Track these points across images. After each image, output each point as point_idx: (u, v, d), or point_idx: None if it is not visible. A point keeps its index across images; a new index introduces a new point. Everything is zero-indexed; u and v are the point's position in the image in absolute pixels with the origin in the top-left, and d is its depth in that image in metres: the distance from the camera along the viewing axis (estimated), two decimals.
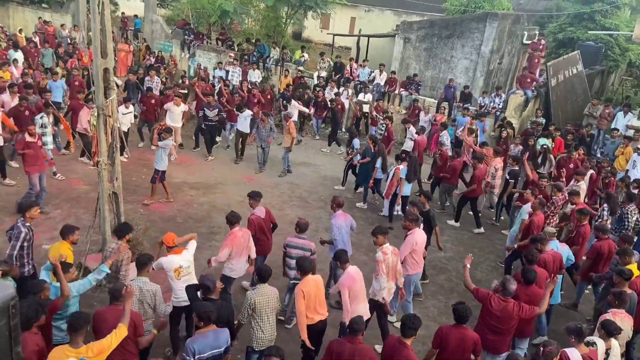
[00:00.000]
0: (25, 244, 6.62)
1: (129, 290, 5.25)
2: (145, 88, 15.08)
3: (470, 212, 11.46)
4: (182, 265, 6.34)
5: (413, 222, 7.54)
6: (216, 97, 14.75)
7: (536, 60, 16.99)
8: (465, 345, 5.57)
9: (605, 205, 9.52)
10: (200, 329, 5.09)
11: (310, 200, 11.84)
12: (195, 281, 6.26)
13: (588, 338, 5.72)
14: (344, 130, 16.49)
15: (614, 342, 5.76)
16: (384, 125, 13.76)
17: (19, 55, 16.71)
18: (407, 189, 11.07)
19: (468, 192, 11.11)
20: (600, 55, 22.34)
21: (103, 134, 7.39)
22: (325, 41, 31.36)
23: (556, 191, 9.70)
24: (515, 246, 8.91)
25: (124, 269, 6.70)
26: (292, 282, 7.20)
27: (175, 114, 13.30)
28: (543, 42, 18.53)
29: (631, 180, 10.61)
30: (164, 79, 16.47)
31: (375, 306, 6.86)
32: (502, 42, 18.77)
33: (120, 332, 4.91)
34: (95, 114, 7.35)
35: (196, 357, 4.94)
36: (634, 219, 9.24)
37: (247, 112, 13.64)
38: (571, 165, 11.50)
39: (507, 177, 11.28)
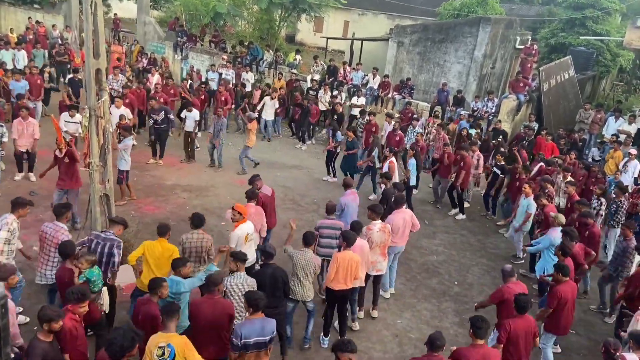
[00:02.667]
0: None
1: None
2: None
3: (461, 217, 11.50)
4: (249, 232, 7.23)
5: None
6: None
7: (529, 65, 17.08)
8: (530, 332, 5.85)
9: (602, 199, 9.94)
10: (249, 316, 5.33)
11: (303, 204, 11.81)
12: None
13: None
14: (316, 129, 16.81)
15: None
16: (362, 124, 14.19)
17: (8, 56, 16.56)
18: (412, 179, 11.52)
19: (461, 182, 11.48)
20: (591, 61, 22.53)
21: (95, 135, 7.33)
22: (319, 44, 31.38)
23: (546, 183, 10.19)
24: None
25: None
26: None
27: (113, 117, 11.70)
28: (536, 47, 18.63)
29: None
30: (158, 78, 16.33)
31: (368, 277, 7.59)
32: (494, 46, 18.87)
33: None
34: (87, 115, 7.30)
35: (242, 341, 5.18)
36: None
37: (194, 113, 13.30)
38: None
39: (498, 171, 11.62)
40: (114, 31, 23.02)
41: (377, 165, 12.32)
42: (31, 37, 19.50)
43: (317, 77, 18.30)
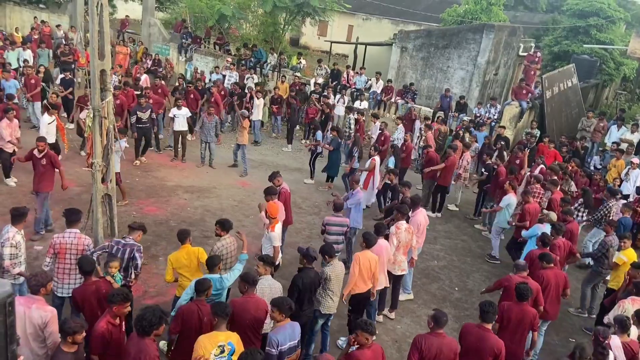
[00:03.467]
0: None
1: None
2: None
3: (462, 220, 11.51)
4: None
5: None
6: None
7: (532, 72, 17.11)
8: (526, 321, 6.04)
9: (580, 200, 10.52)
10: (280, 322, 5.23)
11: (305, 207, 11.82)
12: None
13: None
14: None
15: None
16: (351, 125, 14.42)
17: (13, 56, 16.62)
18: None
19: (441, 180, 11.75)
20: (594, 69, 22.56)
21: (98, 135, 7.36)
22: (323, 48, 31.48)
23: (535, 182, 10.58)
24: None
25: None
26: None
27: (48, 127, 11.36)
28: (539, 54, 18.67)
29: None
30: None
31: (390, 276, 7.66)
32: (498, 53, 18.90)
33: None
34: (91, 115, 7.33)
35: (279, 348, 5.09)
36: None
37: (184, 110, 13.23)
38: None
39: (483, 170, 12.03)
40: (119, 32, 23.10)
41: (356, 165, 12.48)
42: (36, 37, 19.56)
43: (320, 80, 18.34)
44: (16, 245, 6.22)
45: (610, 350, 5.55)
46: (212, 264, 6.02)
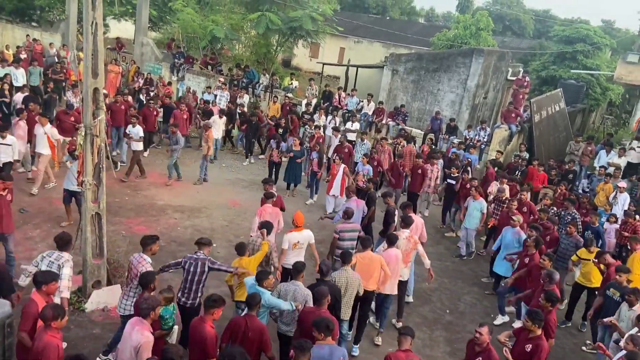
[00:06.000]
0: None
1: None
2: (66, 104, 14.28)
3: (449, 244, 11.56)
4: (299, 240, 7.90)
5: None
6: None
7: (521, 96, 17.35)
8: None
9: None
10: (319, 341, 5.27)
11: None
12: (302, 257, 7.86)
13: None
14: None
15: None
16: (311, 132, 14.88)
17: (2, 73, 16.51)
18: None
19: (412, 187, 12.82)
20: (581, 94, 22.95)
21: (89, 153, 7.30)
22: (314, 69, 31.74)
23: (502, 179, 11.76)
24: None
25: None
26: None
27: (38, 136, 11.27)
28: (528, 78, 18.97)
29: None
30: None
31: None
32: (487, 77, 19.19)
33: None
34: (82, 134, 7.28)
35: None
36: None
37: (138, 128, 12.96)
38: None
39: (452, 182, 12.46)
40: (115, 52, 23.08)
41: (317, 170, 13.25)
42: (24, 55, 19.46)
43: (313, 101, 18.47)
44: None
45: None
46: (260, 277, 6.27)
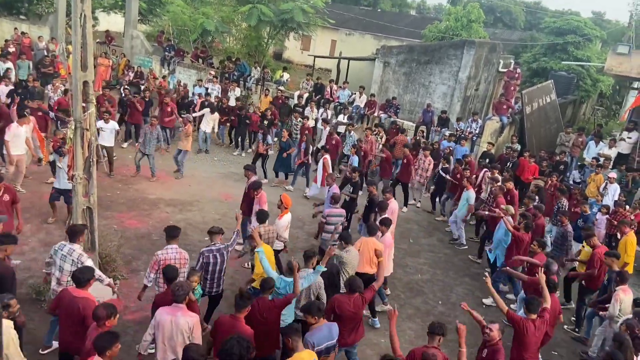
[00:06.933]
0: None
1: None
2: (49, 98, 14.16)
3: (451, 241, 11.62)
4: (288, 221, 8.54)
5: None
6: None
7: (512, 88, 17.40)
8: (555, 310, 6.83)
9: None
10: (314, 324, 5.57)
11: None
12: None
13: None
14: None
15: None
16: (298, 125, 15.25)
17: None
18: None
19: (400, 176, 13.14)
20: (572, 86, 23.05)
21: (80, 147, 7.24)
22: (306, 62, 31.66)
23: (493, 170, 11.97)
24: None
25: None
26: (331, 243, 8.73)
27: (19, 138, 10.69)
28: (519, 70, 19.02)
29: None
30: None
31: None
32: (478, 69, 19.21)
33: None
34: (72, 127, 7.22)
35: (315, 349, 5.35)
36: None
37: (112, 124, 12.59)
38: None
39: (443, 173, 12.68)
40: (105, 45, 22.87)
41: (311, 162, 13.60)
42: (13, 49, 19.18)
43: (306, 94, 18.42)
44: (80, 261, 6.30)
45: None
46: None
